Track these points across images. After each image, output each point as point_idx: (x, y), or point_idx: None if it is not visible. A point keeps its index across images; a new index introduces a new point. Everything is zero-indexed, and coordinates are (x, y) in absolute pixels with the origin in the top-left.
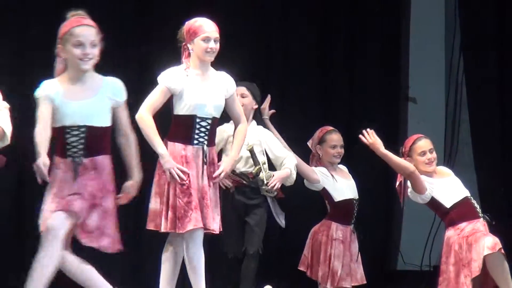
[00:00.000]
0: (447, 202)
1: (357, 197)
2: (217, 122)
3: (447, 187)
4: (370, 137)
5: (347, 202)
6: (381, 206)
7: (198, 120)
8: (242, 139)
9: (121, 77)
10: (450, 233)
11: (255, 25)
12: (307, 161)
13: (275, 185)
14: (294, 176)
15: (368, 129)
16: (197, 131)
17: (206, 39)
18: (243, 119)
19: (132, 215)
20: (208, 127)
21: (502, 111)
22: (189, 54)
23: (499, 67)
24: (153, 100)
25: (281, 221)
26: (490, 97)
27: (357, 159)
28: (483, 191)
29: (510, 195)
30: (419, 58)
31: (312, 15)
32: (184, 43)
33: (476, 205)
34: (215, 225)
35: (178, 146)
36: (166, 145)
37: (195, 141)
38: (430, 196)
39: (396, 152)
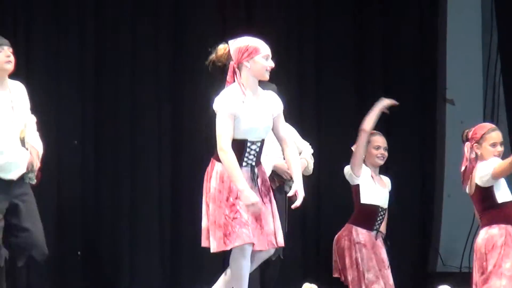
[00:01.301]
0: (500, 197)
1: (385, 206)
2: (264, 142)
3: (504, 183)
4: None
5: (372, 208)
6: (420, 209)
7: (249, 144)
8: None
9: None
10: (494, 231)
11: (289, 33)
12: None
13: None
14: (311, 166)
15: None
16: (246, 154)
17: (267, 57)
18: (289, 141)
19: (168, 227)
20: (257, 149)
21: None
22: (240, 75)
23: None
24: (226, 130)
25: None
26: None
27: (395, 162)
28: None
29: None
30: (456, 59)
31: (347, 17)
32: (231, 63)
33: None
34: (270, 242)
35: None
36: (213, 165)
37: (244, 163)
38: (492, 184)
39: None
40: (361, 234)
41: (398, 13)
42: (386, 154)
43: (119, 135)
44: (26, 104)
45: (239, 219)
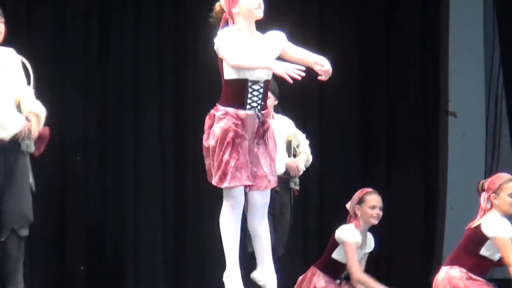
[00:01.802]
0: (485, 250)
1: None
2: (269, 84)
3: None
4: None
5: (340, 265)
6: (422, 222)
7: (250, 83)
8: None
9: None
10: (455, 273)
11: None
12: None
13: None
14: (310, 158)
15: None
16: (249, 95)
17: None
18: (311, 53)
19: (171, 242)
20: (261, 90)
21: None
22: (233, 23)
23: None
24: (232, 44)
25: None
26: None
27: (397, 175)
28: None
29: None
30: (459, 72)
31: (350, 33)
32: (225, 14)
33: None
34: (266, 182)
35: (230, 110)
36: (217, 109)
37: (248, 106)
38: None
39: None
40: (322, 279)
41: (400, 26)
42: (381, 214)
43: (122, 148)
44: (18, 70)
45: (236, 161)
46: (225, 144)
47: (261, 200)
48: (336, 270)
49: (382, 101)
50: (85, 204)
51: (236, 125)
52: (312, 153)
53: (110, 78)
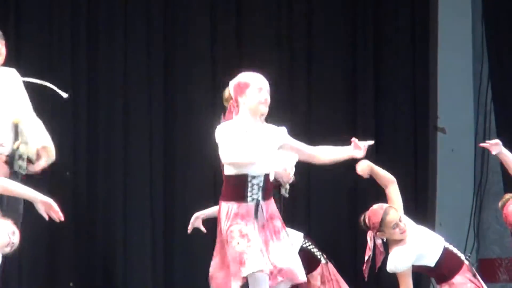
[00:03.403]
0: (431, 261)
1: None
2: (269, 178)
3: (424, 246)
4: None
5: None
6: None
7: (249, 178)
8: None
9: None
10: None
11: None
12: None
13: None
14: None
15: None
16: (249, 189)
17: (260, 90)
18: (314, 149)
19: (161, 259)
20: (262, 184)
21: None
22: (237, 112)
23: None
24: (229, 141)
25: None
26: None
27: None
28: None
29: None
30: (448, 87)
31: (339, 48)
32: (231, 102)
33: (455, 251)
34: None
35: (232, 205)
36: (220, 206)
37: (249, 198)
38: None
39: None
40: None
41: (389, 43)
42: None
43: (111, 165)
44: (18, 91)
45: (250, 248)
46: (235, 238)
47: None
48: None
49: (371, 118)
50: (74, 219)
51: (240, 217)
52: (301, 167)
53: (100, 94)
